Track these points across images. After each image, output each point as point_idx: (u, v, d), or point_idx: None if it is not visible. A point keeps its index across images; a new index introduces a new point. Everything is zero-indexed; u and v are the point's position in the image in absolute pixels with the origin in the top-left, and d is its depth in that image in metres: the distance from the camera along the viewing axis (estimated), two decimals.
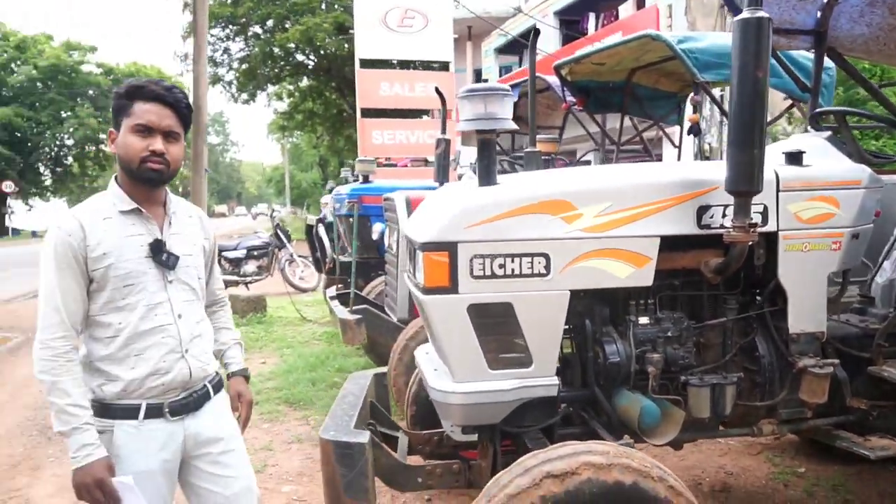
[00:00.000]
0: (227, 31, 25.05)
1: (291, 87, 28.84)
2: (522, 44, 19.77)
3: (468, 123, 2.27)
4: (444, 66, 20.50)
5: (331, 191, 16.78)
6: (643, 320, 2.45)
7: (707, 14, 11.18)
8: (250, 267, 10.17)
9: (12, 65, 35.54)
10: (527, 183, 2.38)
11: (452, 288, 2.21)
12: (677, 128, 5.63)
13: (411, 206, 4.32)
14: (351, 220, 6.24)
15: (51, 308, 1.77)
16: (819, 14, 2.94)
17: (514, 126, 2.29)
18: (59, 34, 56.83)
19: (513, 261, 2.22)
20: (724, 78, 4.03)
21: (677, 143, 5.73)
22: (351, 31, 22.56)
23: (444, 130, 6.09)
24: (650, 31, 4.33)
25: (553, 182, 2.36)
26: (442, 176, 5.93)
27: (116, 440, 1.80)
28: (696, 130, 4.29)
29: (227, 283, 10.07)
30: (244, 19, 23.79)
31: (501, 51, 21.05)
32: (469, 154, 7.97)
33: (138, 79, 1.87)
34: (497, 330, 2.28)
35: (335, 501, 2.17)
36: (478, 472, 2.53)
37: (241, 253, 10.14)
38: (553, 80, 5.81)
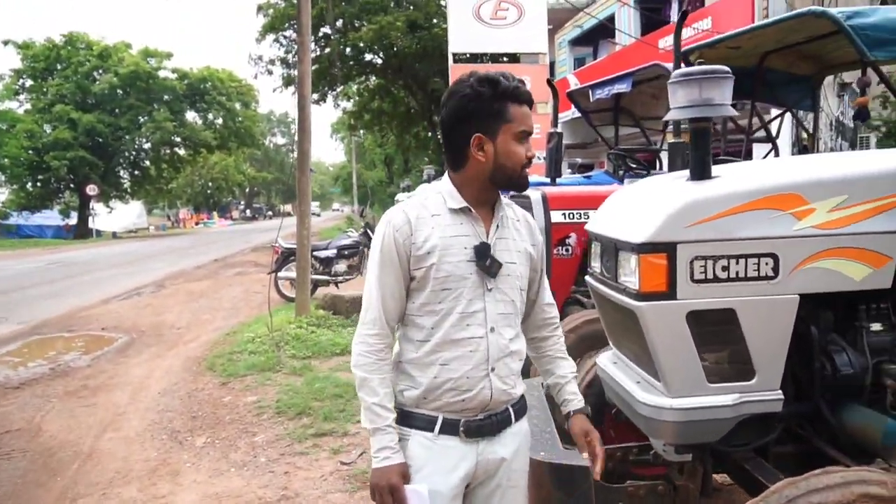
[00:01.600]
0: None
1: (359, 87, 29.06)
2: (596, 35, 19.34)
3: (681, 111, 2.06)
4: (513, 58, 20.21)
5: (406, 189, 16.68)
6: (876, 327, 2.18)
7: None
8: (341, 266, 10.19)
9: (95, 73, 36.91)
10: (750, 175, 2.15)
11: (670, 293, 2.00)
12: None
13: (548, 203, 4.12)
14: None
15: (370, 303, 1.74)
16: None
17: (734, 112, 2.07)
18: (137, 41, 58.76)
19: (737, 262, 2.00)
20: None
21: (811, 131, 5.35)
22: (423, 29, 22.62)
23: (555, 124, 5.87)
24: (814, 7, 4.00)
25: (780, 174, 2.12)
26: (554, 171, 5.71)
27: (411, 450, 1.72)
28: (864, 115, 3.92)
29: (318, 283, 10.11)
30: (315, 21, 24.05)
31: (575, 42, 20.60)
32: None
33: (502, 76, 1.69)
34: (717, 339, 2.07)
35: None
36: (685, 495, 2.31)
37: (332, 252, 10.17)
38: (672, 67, 5.51)
